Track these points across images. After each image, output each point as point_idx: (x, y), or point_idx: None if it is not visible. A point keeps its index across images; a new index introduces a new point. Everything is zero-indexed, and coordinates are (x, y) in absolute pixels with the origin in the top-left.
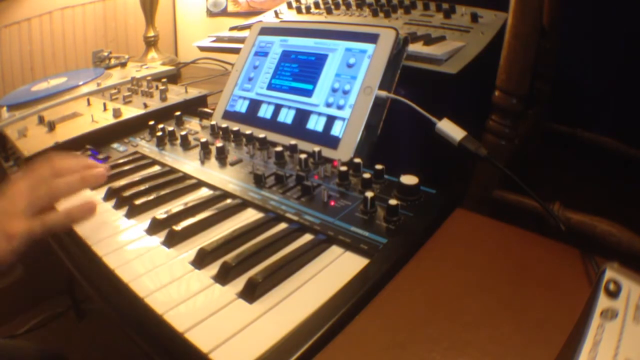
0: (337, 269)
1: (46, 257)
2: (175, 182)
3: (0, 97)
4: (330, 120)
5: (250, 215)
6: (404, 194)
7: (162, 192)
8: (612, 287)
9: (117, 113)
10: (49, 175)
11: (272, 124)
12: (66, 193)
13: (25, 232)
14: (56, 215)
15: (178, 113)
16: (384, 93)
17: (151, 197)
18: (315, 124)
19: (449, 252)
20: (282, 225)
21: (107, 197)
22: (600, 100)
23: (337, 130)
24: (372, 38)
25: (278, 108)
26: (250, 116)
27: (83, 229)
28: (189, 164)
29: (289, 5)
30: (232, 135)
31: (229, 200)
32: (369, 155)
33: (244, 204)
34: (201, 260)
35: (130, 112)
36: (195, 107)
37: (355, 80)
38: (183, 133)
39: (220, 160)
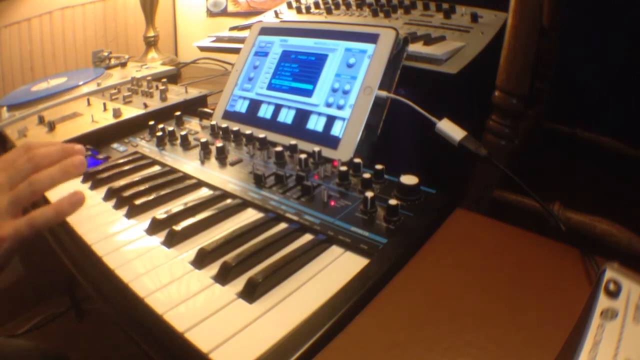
0: (337, 269)
1: (46, 257)
2: (175, 182)
3: (0, 97)
4: (330, 120)
5: (250, 215)
6: (404, 194)
7: (162, 192)
8: (612, 287)
9: (117, 113)
10: (27, 167)
11: (272, 124)
12: (48, 187)
13: (13, 234)
14: (43, 213)
15: (178, 113)
16: (384, 93)
17: (151, 197)
18: (315, 124)
19: (449, 252)
20: (282, 225)
21: (107, 197)
22: (600, 100)
23: (337, 130)
24: (372, 38)
25: (278, 108)
26: (250, 116)
27: (83, 229)
28: (189, 164)
29: (289, 5)
30: (232, 135)
31: (229, 200)
32: (369, 155)
33: (244, 204)
34: (201, 260)
35: (130, 112)
36: (195, 107)
37: (355, 80)
38: (183, 133)
39: (220, 160)
